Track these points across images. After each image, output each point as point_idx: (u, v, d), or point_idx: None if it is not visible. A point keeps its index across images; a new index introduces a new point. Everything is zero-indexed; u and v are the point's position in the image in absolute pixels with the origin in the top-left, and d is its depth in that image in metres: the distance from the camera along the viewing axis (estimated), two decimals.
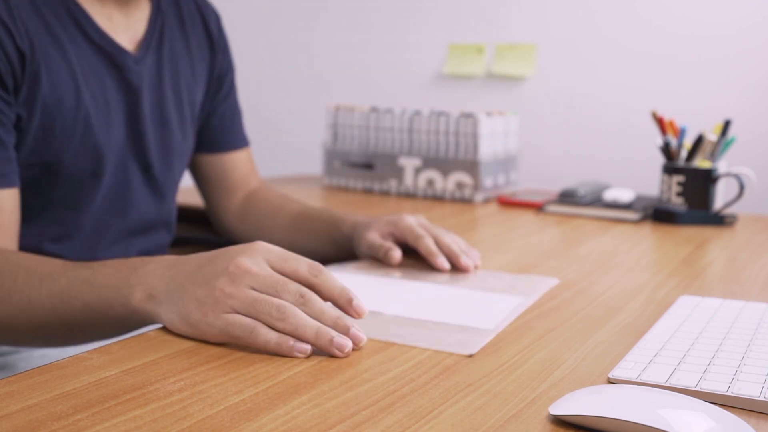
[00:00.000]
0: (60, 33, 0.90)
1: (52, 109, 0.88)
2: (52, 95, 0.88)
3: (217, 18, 1.13)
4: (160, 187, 1.04)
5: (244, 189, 1.18)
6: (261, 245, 0.68)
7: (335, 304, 0.68)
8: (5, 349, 0.94)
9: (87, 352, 0.63)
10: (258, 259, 0.66)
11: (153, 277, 0.68)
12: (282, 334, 0.63)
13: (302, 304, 0.65)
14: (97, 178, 0.94)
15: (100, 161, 0.93)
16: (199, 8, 1.10)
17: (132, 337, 0.67)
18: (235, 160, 1.17)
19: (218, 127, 1.15)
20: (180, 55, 1.05)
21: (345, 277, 0.84)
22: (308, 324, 0.63)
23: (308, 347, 0.63)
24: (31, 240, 0.92)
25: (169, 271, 0.69)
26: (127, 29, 0.97)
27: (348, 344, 0.64)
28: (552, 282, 0.90)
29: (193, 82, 1.08)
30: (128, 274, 0.70)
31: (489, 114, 1.57)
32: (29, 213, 0.92)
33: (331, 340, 0.63)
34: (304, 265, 0.67)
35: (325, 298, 0.67)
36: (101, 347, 0.64)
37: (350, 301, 0.67)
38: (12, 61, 0.85)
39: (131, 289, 0.68)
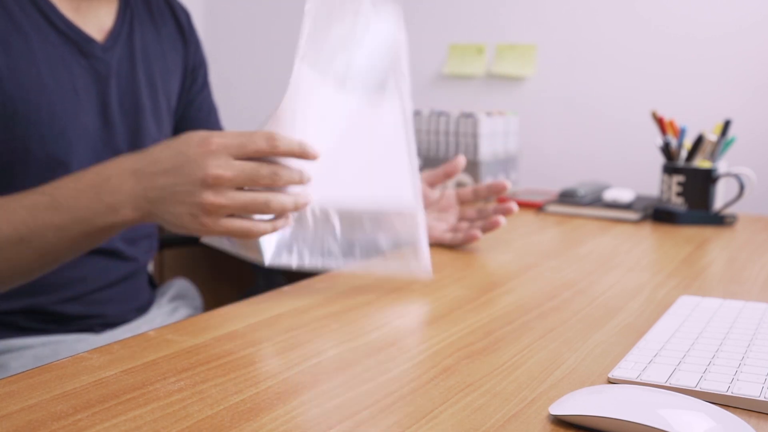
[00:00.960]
0: (23, 22, 0.90)
1: (13, 94, 0.88)
2: (11, 80, 0.88)
3: (186, 14, 1.14)
4: None
5: None
6: (214, 142, 0.73)
7: (297, 157, 0.75)
8: None
9: (87, 352, 0.63)
10: (223, 159, 0.72)
11: (130, 195, 0.76)
12: (272, 222, 0.76)
13: (276, 180, 0.74)
14: (67, 166, 0.93)
15: (69, 149, 0.93)
16: (168, 3, 1.11)
17: (132, 337, 0.67)
18: None
19: (197, 119, 1.15)
20: (152, 46, 1.05)
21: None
22: (287, 201, 0.75)
23: (290, 218, 0.78)
24: None
25: (138, 183, 0.75)
26: (95, 19, 0.98)
27: (311, 195, 0.78)
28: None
29: (167, 73, 1.08)
30: (98, 195, 0.76)
31: (489, 114, 1.57)
32: None
33: (305, 202, 0.77)
34: (261, 141, 0.73)
35: (287, 156, 0.75)
36: (101, 347, 0.64)
37: (306, 151, 0.75)
38: None
39: (115, 210, 0.76)
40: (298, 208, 0.77)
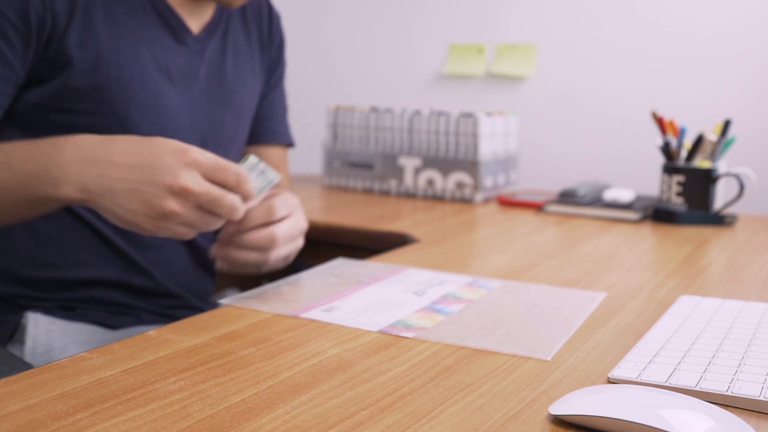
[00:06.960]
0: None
1: (108, 60, 0.91)
2: (109, 47, 0.92)
3: (277, 17, 1.20)
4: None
5: None
6: (190, 156, 0.74)
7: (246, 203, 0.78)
8: None
9: (87, 352, 0.63)
10: (194, 174, 0.74)
11: (78, 175, 0.76)
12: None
13: (231, 214, 0.76)
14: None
15: (157, 123, 0.96)
16: (260, 7, 1.16)
17: (132, 337, 0.67)
18: (267, 154, 1.19)
19: (264, 117, 1.18)
20: (243, 47, 1.11)
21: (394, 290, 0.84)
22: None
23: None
24: None
25: (92, 168, 0.76)
26: (197, 13, 1.02)
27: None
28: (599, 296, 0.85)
29: (254, 73, 1.13)
30: (46, 165, 0.77)
31: (489, 114, 1.57)
32: None
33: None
34: (232, 175, 0.75)
35: (246, 199, 0.78)
36: (101, 347, 0.64)
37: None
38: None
39: (57, 184, 0.76)
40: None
